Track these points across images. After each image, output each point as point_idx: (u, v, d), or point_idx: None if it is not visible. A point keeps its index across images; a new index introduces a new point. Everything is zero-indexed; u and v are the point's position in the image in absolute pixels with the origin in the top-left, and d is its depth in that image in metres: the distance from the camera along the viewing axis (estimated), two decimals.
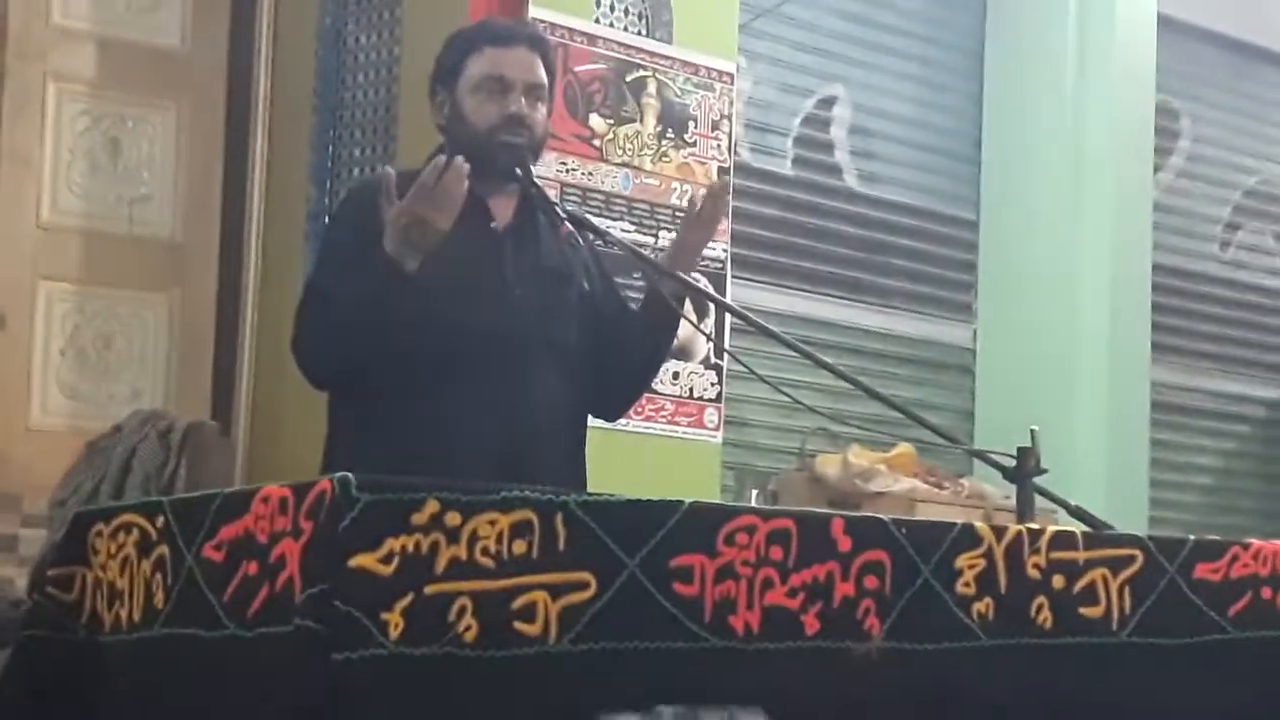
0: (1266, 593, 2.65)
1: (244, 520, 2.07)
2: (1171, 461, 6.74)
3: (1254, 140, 7.23)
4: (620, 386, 3.28)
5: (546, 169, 4.56)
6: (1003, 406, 6.13)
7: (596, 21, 4.87)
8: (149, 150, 5.08)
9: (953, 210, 6.36)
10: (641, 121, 4.94)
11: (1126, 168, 6.28)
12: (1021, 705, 2.38)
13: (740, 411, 5.51)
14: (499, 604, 1.97)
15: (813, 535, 2.22)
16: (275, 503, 2.02)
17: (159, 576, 2.21)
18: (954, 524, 2.37)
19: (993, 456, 2.87)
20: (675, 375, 4.93)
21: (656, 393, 4.83)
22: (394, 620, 1.90)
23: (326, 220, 4.68)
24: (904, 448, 4.84)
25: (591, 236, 3.19)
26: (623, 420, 3.56)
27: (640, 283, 3.97)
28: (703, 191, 3.26)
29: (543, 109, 3.12)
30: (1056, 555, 2.43)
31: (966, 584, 2.33)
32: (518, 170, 3.04)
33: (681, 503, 2.13)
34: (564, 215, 3.12)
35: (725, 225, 4.93)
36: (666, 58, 5.00)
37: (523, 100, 3.07)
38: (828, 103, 6.07)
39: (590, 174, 4.83)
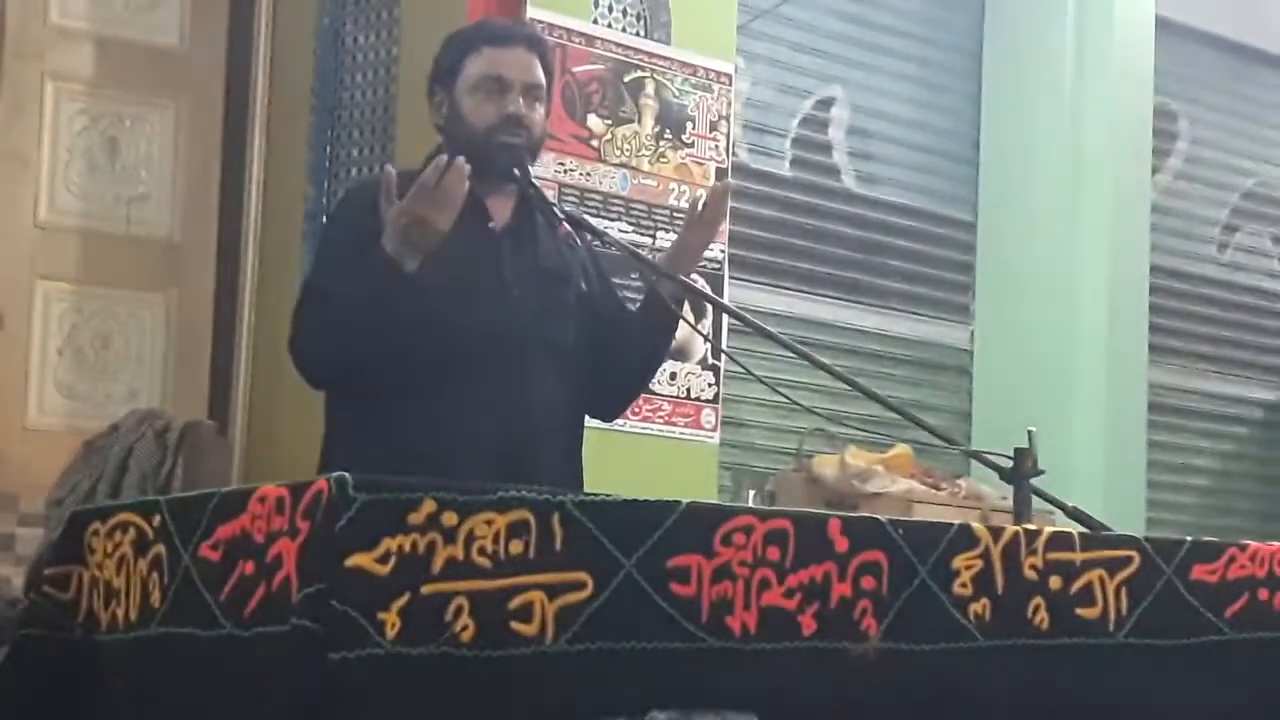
0: (1263, 594, 2.65)
1: (241, 520, 2.07)
2: (1169, 463, 6.74)
3: (1252, 142, 7.24)
4: (618, 387, 3.28)
5: (544, 169, 4.57)
6: (1000, 407, 6.14)
7: (594, 22, 4.87)
8: (147, 150, 5.08)
9: (950, 211, 6.36)
10: (639, 122, 4.94)
11: (1124, 169, 6.28)
12: (1018, 706, 2.38)
13: (737, 412, 5.51)
14: (496, 604, 1.97)
15: (810, 536, 2.22)
16: (272, 502, 2.02)
17: (156, 576, 2.21)
18: (951, 525, 2.37)
19: (990, 457, 2.87)
20: (672, 376, 4.93)
21: (654, 393, 4.83)
22: (391, 620, 1.90)
23: (324, 220, 4.68)
24: (901, 448, 4.84)
25: (589, 237, 3.19)
26: (620, 420, 3.56)
27: (638, 283, 3.98)
28: (704, 193, 3.26)
29: (541, 109, 3.12)
30: (1053, 556, 2.43)
31: (963, 585, 2.33)
32: (516, 170, 3.05)
33: (679, 503, 2.13)
34: (562, 216, 3.13)
35: (723, 226, 4.93)
36: (664, 58, 5.00)
37: (521, 100, 3.07)
38: (826, 104, 6.08)
39: (588, 174, 4.83)
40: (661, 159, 4.97)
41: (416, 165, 3.05)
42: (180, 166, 5.11)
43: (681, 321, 3.20)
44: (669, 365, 4.86)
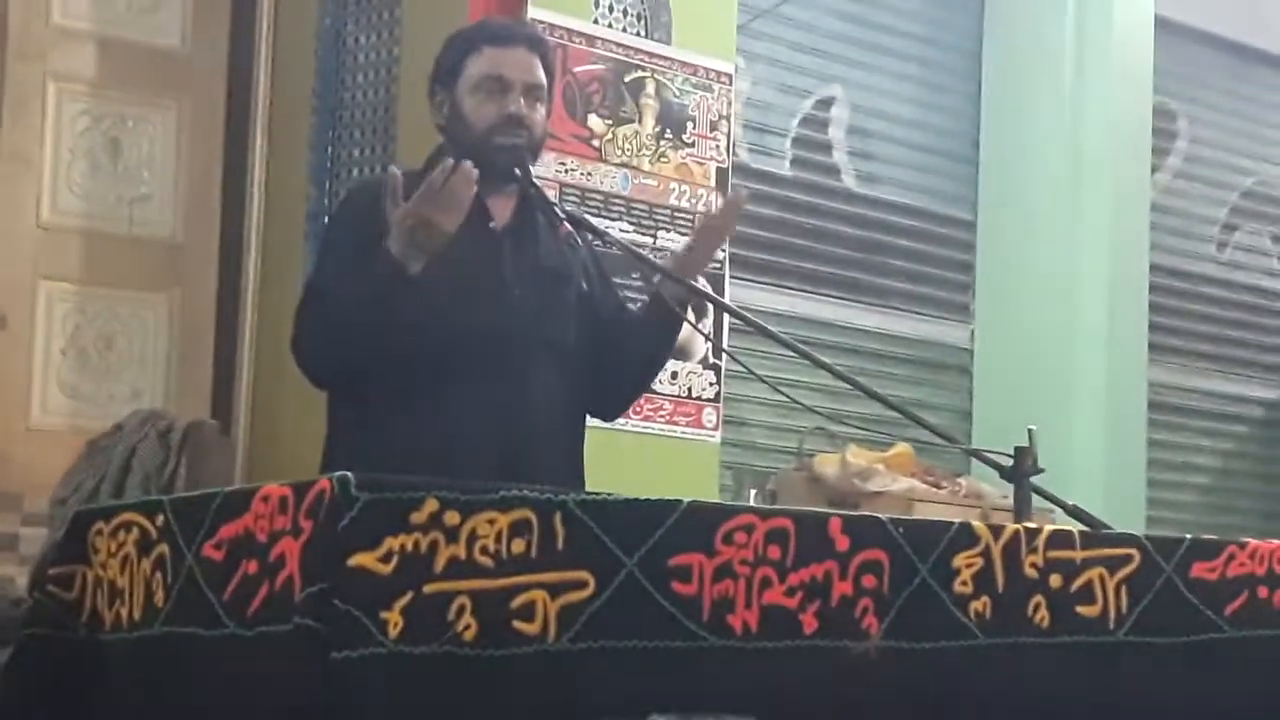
0: (1263, 592, 2.66)
1: (244, 519, 2.08)
2: (1169, 461, 6.74)
3: (1251, 141, 7.24)
4: (618, 386, 3.28)
5: (545, 169, 4.57)
6: (1000, 406, 6.14)
7: (595, 22, 4.87)
8: (149, 150, 5.08)
9: (951, 211, 6.37)
10: (640, 122, 4.94)
11: (1124, 168, 6.28)
12: (1019, 704, 2.38)
13: (738, 411, 5.52)
14: (498, 603, 1.98)
15: (811, 534, 2.22)
16: (275, 502, 2.02)
17: (159, 575, 2.22)
18: (951, 523, 2.38)
19: (990, 456, 2.87)
20: (674, 375, 4.94)
21: (655, 392, 4.83)
22: (393, 619, 1.90)
23: (326, 220, 4.69)
24: (902, 447, 4.84)
25: (590, 237, 3.20)
26: (621, 420, 3.57)
27: (639, 283, 3.99)
28: (719, 198, 3.26)
29: (541, 109, 3.12)
30: (1054, 554, 2.43)
31: (964, 583, 2.34)
32: (517, 170, 3.05)
33: (680, 502, 2.14)
34: (563, 215, 3.13)
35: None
36: (665, 58, 5.01)
37: (522, 100, 3.07)
38: (826, 103, 6.08)
39: (589, 174, 4.83)
40: (662, 159, 4.97)
41: (418, 165, 3.06)
42: (182, 167, 5.11)
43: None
44: (670, 364, 4.86)
